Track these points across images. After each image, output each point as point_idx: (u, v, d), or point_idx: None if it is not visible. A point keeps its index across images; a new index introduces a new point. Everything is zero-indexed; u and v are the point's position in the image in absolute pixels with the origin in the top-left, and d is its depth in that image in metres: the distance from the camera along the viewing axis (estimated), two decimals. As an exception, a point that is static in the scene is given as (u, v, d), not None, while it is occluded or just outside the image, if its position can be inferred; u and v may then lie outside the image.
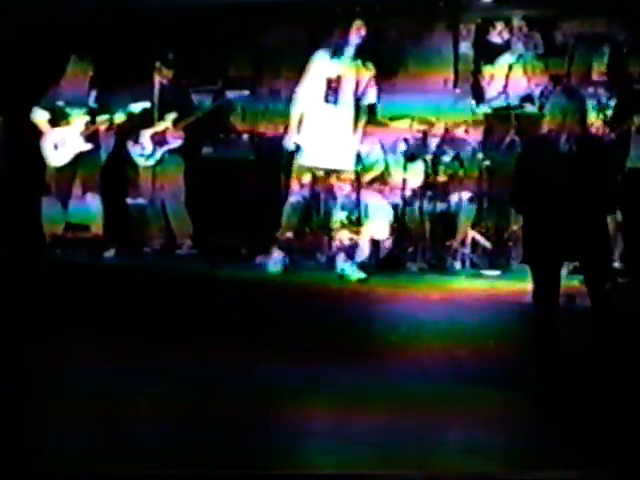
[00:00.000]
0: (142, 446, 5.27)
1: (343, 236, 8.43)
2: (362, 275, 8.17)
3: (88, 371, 6.73)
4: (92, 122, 9.60)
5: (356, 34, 8.17)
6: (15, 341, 7.48)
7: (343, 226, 8.42)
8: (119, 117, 9.58)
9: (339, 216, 8.42)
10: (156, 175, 9.70)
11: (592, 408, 5.97)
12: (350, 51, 8.21)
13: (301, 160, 8.32)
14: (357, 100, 8.29)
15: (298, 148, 8.33)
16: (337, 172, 8.34)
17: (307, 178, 8.31)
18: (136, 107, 9.49)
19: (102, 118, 9.59)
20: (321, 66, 8.25)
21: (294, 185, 8.37)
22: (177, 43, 10.17)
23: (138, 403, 6.23)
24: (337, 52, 8.19)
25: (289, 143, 8.33)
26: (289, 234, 8.45)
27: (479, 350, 6.80)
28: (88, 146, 9.62)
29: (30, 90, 10.29)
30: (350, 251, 8.48)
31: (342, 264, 8.31)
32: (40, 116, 9.75)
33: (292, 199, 8.39)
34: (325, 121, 8.25)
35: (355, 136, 8.35)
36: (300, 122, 8.31)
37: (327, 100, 8.20)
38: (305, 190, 8.36)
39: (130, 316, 8.02)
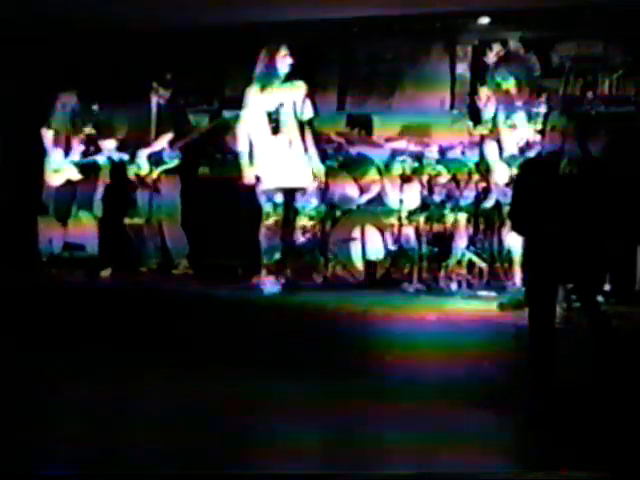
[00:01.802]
0: (137, 468, 5.24)
1: None
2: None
3: (83, 390, 6.71)
4: (89, 148, 9.70)
5: (282, 61, 8.54)
6: (12, 360, 7.47)
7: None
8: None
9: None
10: (153, 195, 9.71)
11: (587, 429, 5.95)
12: (279, 78, 8.54)
13: (264, 187, 8.59)
14: (299, 121, 8.57)
15: (258, 179, 8.61)
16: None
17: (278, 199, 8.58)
18: None
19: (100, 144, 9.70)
20: (256, 100, 8.58)
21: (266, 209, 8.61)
22: (174, 63, 10.20)
23: (133, 423, 6.20)
24: (267, 83, 8.54)
25: (248, 178, 8.62)
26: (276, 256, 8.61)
27: (474, 371, 6.78)
28: (83, 172, 9.72)
29: (28, 110, 10.35)
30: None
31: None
32: (45, 136, 9.85)
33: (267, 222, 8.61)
34: (275, 148, 8.54)
35: (308, 153, 8.61)
36: (251, 155, 8.62)
37: (272, 131, 8.53)
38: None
39: (126, 336, 8.00)
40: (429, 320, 7.46)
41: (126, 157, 9.71)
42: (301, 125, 8.59)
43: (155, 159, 9.69)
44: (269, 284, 8.55)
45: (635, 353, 6.46)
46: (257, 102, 8.61)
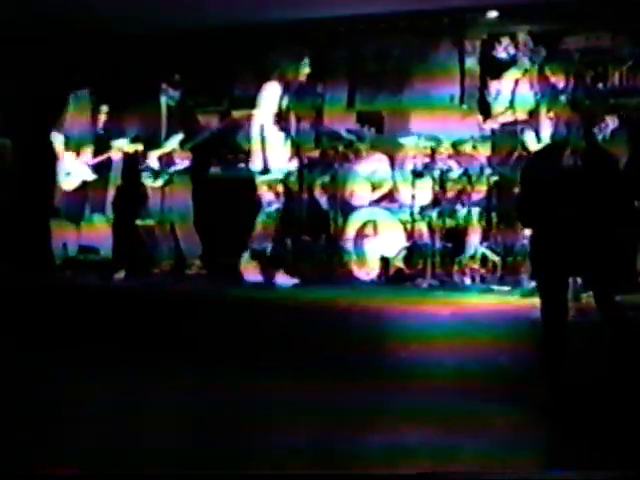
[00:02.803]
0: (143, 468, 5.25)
1: None
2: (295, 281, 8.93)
3: (96, 391, 6.72)
4: (100, 150, 9.73)
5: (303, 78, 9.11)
6: (26, 362, 7.50)
7: None
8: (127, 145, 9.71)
9: None
10: (165, 196, 9.73)
11: (602, 420, 5.94)
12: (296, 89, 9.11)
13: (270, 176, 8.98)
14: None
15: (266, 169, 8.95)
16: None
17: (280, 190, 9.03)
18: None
19: (111, 145, 9.72)
20: (274, 98, 8.99)
21: (268, 197, 9.03)
22: (183, 64, 10.21)
23: (146, 421, 6.22)
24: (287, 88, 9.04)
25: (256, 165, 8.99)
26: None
27: (489, 365, 6.78)
28: (96, 175, 9.74)
29: (40, 114, 10.38)
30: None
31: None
32: (56, 140, 9.89)
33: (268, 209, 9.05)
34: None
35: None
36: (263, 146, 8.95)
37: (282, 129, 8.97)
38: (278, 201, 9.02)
39: (139, 337, 8.02)
40: (443, 315, 7.46)
41: (141, 147, 9.73)
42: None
43: (166, 160, 9.70)
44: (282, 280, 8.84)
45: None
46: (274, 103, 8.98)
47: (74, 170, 9.90)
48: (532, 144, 8.60)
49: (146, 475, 4.96)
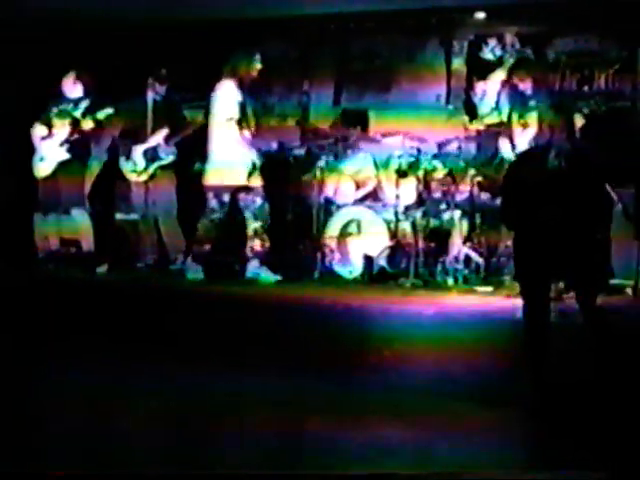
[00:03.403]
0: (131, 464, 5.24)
1: (256, 243, 9.03)
2: (277, 277, 8.95)
3: (79, 386, 6.70)
4: (74, 127, 9.67)
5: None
6: (8, 357, 7.47)
7: (255, 234, 9.02)
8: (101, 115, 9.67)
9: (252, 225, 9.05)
10: (148, 191, 9.70)
11: (586, 418, 5.96)
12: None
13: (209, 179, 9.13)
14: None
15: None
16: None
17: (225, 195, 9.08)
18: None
19: (83, 120, 9.67)
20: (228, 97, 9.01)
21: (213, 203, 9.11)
22: (169, 58, 10.18)
23: (129, 417, 6.20)
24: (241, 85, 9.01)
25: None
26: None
27: (471, 365, 6.79)
28: (69, 154, 9.68)
29: (23, 107, 10.33)
30: (264, 256, 9.07)
31: (256, 269, 8.98)
32: (37, 131, 9.84)
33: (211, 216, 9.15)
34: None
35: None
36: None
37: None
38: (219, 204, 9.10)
39: (123, 331, 8.00)
40: (426, 314, 7.46)
41: (110, 110, 9.72)
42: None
43: (151, 155, 9.68)
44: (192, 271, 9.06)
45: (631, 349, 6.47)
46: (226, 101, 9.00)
47: (47, 152, 9.84)
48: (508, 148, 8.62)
49: (135, 474, 4.95)
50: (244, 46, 9.42)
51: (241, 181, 9.03)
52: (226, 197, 9.08)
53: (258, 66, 9.11)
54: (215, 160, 9.10)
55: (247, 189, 9.05)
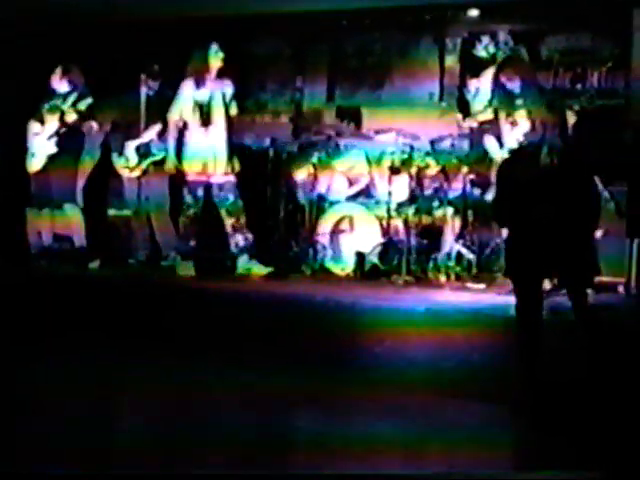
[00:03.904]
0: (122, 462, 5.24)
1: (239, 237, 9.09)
2: (269, 269, 9.01)
3: (72, 382, 6.70)
4: (66, 122, 9.65)
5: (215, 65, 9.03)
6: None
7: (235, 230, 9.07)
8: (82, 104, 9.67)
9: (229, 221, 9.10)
10: (141, 186, 9.70)
11: (576, 417, 5.97)
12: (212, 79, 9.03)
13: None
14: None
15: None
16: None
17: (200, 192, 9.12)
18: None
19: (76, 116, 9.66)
20: (189, 93, 9.05)
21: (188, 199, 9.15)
22: (162, 54, 10.17)
23: (122, 413, 6.21)
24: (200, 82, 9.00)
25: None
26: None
27: (462, 363, 6.79)
28: (60, 149, 9.67)
29: (16, 102, 10.32)
30: (251, 249, 9.13)
31: (246, 263, 9.06)
32: (30, 126, 9.83)
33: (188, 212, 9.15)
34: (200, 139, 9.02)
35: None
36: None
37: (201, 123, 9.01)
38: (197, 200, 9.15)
39: (115, 327, 8.00)
40: (418, 311, 7.46)
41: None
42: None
43: (143, 151, 9.67)
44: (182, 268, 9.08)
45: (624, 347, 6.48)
46: (190, 98, 9.02)
47: (39, 147, 9.83)
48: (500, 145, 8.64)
49: (134, 475, 4.95)
50: (238, 42, 9.43)
51: (221, 175, 9.04)
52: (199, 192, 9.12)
53: (220, 55, 9.04)
54: (192, 154, 9.08)
55: (226, 184, 9.06)
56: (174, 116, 9.11)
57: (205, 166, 9.01)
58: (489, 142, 8.71)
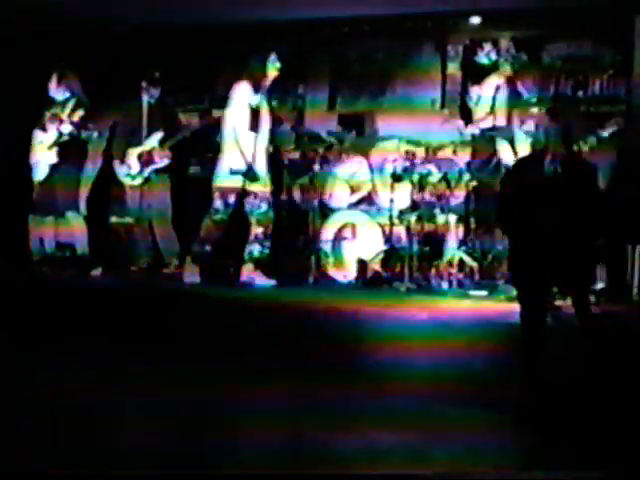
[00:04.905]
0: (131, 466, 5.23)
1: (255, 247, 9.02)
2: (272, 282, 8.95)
3: (72, 388, 6.69)
4: (69, 131, 9.67)
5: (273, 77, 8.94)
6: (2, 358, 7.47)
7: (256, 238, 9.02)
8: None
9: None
10: (143, 194, 9.70)
11: (581, 419, 5.97)
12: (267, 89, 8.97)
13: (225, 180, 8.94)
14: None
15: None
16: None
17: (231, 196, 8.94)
18: None
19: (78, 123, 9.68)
20: (244, 98, 8.87)
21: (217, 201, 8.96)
22: (164, 62, 10.18)
23: (124, 420, 6.19)
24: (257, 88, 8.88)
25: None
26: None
27: (466, 369, 6.79)
28: (63, 158, 9.67)
29: (20, 108, 10.33)
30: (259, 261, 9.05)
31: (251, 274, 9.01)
32: (33, 134, 9.85)
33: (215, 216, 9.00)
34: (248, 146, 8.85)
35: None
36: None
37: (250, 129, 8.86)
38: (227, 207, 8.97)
39: (116, 334, 7.99)
40: (420, 318, 7.46)
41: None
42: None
43: (145, 159, 9.67)
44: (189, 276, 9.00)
45: (625, 353, 6.48)
46: (244, 103, 8.87)
47: (42, 155, 9.85)
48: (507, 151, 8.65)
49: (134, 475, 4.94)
50: (240, 50, 9.43)
51: (243, 185, 8.94)
52: (231, 199, 8.97)
53: (277, 67, 8.96)
54: (225, 161, 8.95)
55: (252, 193, 8.97)
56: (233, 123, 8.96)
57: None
58: (498, 149, 8.71)
